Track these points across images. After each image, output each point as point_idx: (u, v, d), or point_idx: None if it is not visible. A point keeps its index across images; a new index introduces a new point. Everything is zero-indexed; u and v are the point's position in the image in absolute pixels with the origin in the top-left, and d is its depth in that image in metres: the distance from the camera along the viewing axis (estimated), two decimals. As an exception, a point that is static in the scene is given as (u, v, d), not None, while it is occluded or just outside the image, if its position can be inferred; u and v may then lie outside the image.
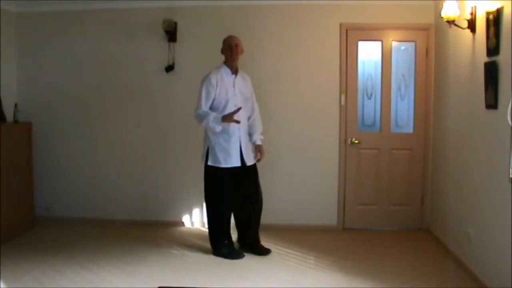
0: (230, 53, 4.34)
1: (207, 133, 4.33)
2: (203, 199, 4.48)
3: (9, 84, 5.34)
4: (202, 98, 4.25)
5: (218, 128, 4.18)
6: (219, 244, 4.40)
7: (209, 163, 4.30)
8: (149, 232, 5.11)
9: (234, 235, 4.57)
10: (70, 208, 5.56)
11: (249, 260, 4.34)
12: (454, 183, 4.38)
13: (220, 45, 5.25)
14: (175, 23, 5.20)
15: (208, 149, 4.30)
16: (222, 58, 5.26)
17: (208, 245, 4.61)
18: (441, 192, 4.84)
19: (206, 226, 4.69)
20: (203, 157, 4.36)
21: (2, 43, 5.16)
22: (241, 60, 5.25)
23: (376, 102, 5.30)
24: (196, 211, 5.38)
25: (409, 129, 5.28)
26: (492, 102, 3.46)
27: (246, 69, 5.27)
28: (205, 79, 4.28)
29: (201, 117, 4.25)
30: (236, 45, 4.35)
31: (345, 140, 5.24)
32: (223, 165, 4.27)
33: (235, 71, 4.39)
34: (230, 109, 4.24)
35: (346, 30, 5.17)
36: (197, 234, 5.09)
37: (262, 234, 4.99)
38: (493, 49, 3.44)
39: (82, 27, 5.43)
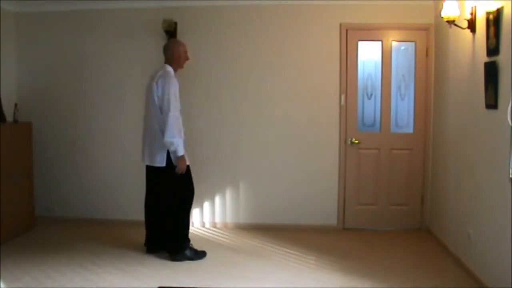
0: (185, 60, 4.33)
1: (160, 137, 4.12)
2: (178, 202, 4.28)
3: (9, 84, 5.34)
4: (174, 100, 4.09)
5: (181, 151, 4.11)
6: (185, 247, 4.29)
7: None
8: (149, 232, 5.12)
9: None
10: (70, 208, 5.56)
11: (249, 260, 4.34)
12: (454, 183, 4.38)
13: (220, 46, 5.28)
14: (175, 23, 5.20)
15: (168, 151, 4.14)
16: (217, 57, 5.26)
17: (208, 244, 4.63)
18: (441, 192, 4.84)
19: (166, 229, 4.36)
20: (162, 160, 4.16)
21: (2, 43, 5.16)
22: (242, 60, 5.28)
23: (376, 102, 5.30)
24: (196, 212, 5.38)
25: (409, 129, 5.28)
26: (492, 102, 3.46)
27: (245, 69, 5.30)
28: (171, 80, 4.11)
29: (178, 125, 4.10)
30: None
31: (345, 140, 5.24)
32: (188, 163, 4.24)
33: None
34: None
35: (346, 30, 5.17)
36: (197, 234, 5.08)
37: (261, 233, 5.04)
38: (493, 49, 3.44)
39: (82, 27, 5.44)
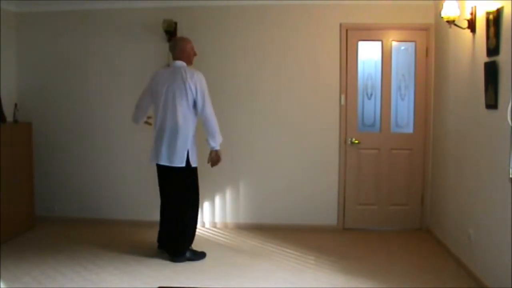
0: (193, 55, 4.35)
1: (184, 135, 4.13)
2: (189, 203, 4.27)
3: (9, 84, 5.34)
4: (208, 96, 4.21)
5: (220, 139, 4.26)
6: (187, 248, 4.29)
7: (194, 165, 4.22)
8: (149, 232, 5.09)
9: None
10: (70, 208, 5.56)
11: (249, 260, 4.34)
12: (454, 183, 4.38)
13: (220, 46, 5.28)
14: (175, 23, 5.20)
15: (189, 148, 4.16)
16: (217, 57, 5.25)
17: (208, 244, 4.63)
18: (441, 192, 4.84)
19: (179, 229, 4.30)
20: (182, 160, 4.14)
21: (2, 43, 5.17)
22: (242, 60, 5.28)
23: (376, 102, 5.30)
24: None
25: (409, 129, 5.28)
26: (492, 102, 3.46)
27: (245, 69, 5.29)
28: (202, 77, 4.19)
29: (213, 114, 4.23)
30: None
31: (345, 140, 5.24)
32: (196, 164, 4.29)
33: None
34: None
35: (346, 30, 5.17)
36: (197, 234, 5.07)
37: (261, 233, 5.06)
38: (493, 49, 3.44)
39: (82, 27, 5.44)
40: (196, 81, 4.11)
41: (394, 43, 5.23)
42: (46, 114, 5.53)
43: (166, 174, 4.27)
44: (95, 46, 5.44)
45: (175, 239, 4.27)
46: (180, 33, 5.18)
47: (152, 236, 4.99)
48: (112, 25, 5.40)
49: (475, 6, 3.79)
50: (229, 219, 5.41)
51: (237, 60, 5.28)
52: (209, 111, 4.17)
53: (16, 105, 5.14)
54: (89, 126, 5.51)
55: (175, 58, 4.27)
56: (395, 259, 4.36)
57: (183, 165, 4.15)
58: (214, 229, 5.35)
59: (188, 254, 4.27)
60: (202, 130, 4.30)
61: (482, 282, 3.63)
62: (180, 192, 4.24)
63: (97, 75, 5.46)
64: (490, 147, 3.56)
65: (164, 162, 4.20)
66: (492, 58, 3.46)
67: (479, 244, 3.76)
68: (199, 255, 4.32)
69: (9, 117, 5.07)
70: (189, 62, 4.30)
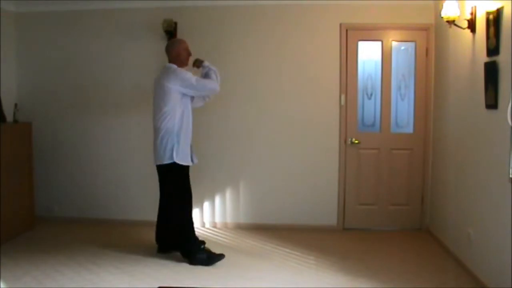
0: (187, 56, 4.35)
1: (168, 130, 4.12)
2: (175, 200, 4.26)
3: (9, 84, 5.34)
4: (195, 79, 4.20)
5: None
6: (197, 249, 4.25)
7: (178, 162, 4.16)
8: (149, 232, 5.10)
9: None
10: (70, 208, 5.56)
11: (249, 260, 4.34)
12: (454, 183, 4.38)
13: (220, 46, 5.28)
14: (175, 23, 5.20)
15: (173, 146, 4.13)
16: (217, 57, 5.24)
17: (208, 245, 4.62)
18: (441, 192, 4.84)
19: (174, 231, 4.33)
20: (167, 156, 4.14)
21: (2, 43, 5.17)
22: (242, 60, 5.28)
23: (376, 102, 5.30)
24: (196, 212, 5.37)
25: (409, 129, 5.28)
26: (492, 102, 3.46)
27: (245, 69, 5.29)
28: (180, 70, 4.21)
29: (209, 80, 4.31)
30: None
31: (345, 140, 5.24)
32: (188, 163, 4.27)
33: None
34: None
35: (346, 30, 5.17)
36: (197, 234, 5.08)
37: (261, 233, 5.06)
38: (493, 49, 3.44)
39: (82, 27, 5.44)
40: (176, 80, 4.12)
41: (394, 43, 5.23)
42: (46, 114, 5.53)
43: (160, 174, 4.33)
44: (95, 46, 5.44)
45: (180, 241, 4.28)
46: (180, 33, 5.19)
47: (152, 236, 5.00)
48: (112, 25, 5.40)
49: (475, 6, 3.79)
50: (229, 219, 5.41)
51: (237, 60, 5.28)
52: (205, 83, 4.27)
53: (16, 105, 5.15)
54: (89, 126, 5.51)
55: (168, 60, 4.33)
56: (395, 259, 4.36)
57: (172, 161, 4.15)
58: (214, 229, 5.35)
59: (202, 256, 4.20)
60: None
61: (482, 282, 3.64)
62: (169, 191, 4.27)
63: (97, 75, 5.46)
64: (490, 147, 3.56)
65: (155, 162, 4.29)
66: (492, 58, 3.46)
67: (479, 244, 3.76)
68: (217, 258, 4.24)
69: (9, 117, 5.07)
70: (180, 63, 4.30)
